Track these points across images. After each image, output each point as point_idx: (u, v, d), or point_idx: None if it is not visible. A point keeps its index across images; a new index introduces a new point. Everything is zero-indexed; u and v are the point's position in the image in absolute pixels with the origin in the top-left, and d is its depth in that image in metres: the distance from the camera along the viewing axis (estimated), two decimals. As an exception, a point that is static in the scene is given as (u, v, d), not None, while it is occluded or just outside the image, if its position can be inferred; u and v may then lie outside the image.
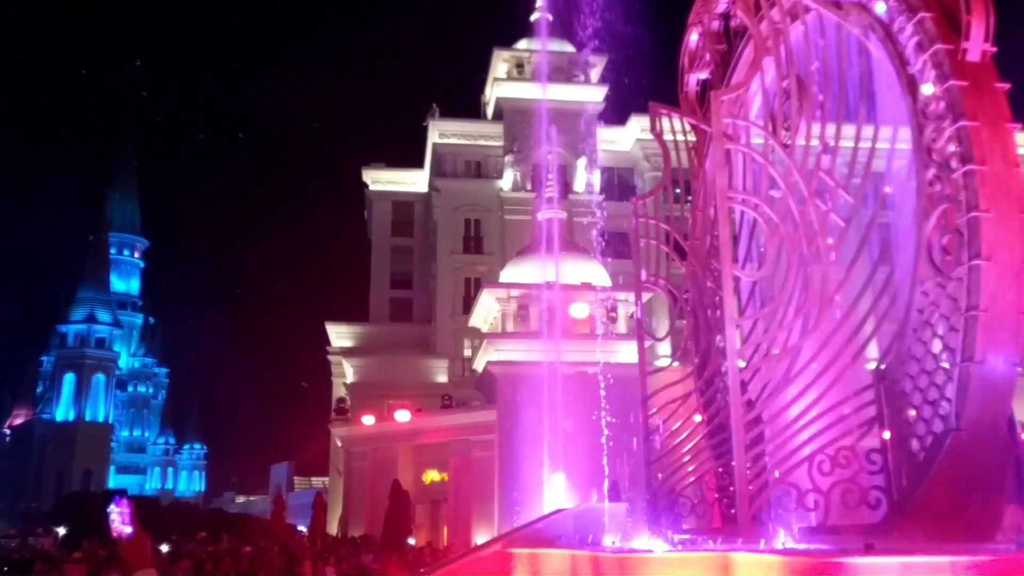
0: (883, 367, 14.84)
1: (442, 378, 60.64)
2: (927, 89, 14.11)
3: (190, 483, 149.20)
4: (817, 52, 16.41)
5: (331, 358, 68.17)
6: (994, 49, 13.70)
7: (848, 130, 15.68)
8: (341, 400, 61.17)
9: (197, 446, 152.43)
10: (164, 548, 31.06)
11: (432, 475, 48.09)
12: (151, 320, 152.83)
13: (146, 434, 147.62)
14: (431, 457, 47.97)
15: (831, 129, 15.82)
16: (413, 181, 70.87)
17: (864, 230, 15.61)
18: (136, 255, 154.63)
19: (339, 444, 55.92)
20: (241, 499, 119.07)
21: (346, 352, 63.92)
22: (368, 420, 50.14)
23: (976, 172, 13.16)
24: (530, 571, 14.37)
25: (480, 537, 39.53)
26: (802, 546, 11.68)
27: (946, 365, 13.45)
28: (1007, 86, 13.79)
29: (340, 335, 66.48)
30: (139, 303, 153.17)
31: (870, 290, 15.38)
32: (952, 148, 13.55)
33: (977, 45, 13.52)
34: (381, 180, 70.69)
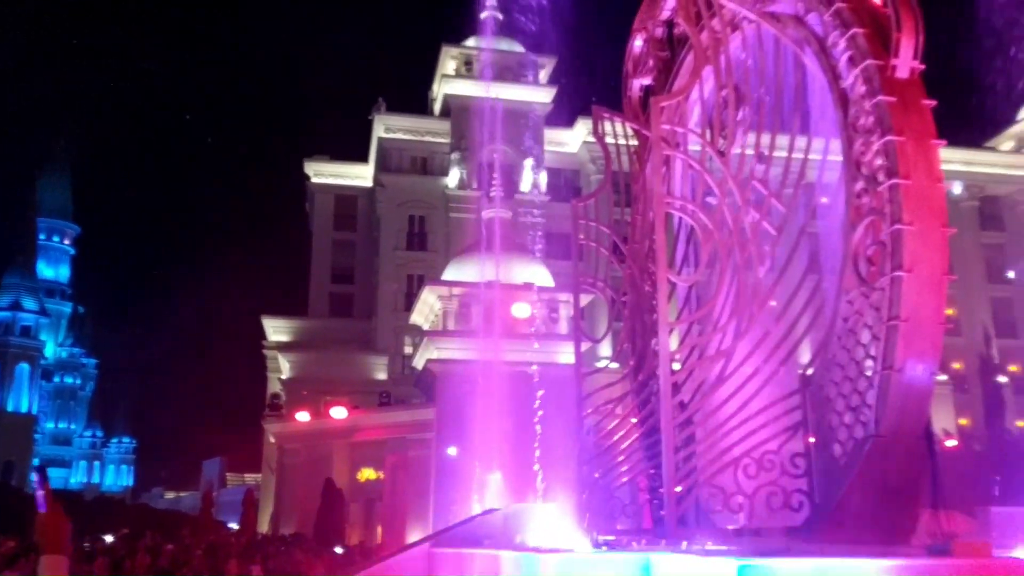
0: (810, 373, 15.19)
1: (381, 375, 60.23)
2: (857, 104, 14.47)
3: (117, 478, 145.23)
4: (755, 63, 16.72)
5: (267, 353, 67.15)
6: (922, 67, 14.11)
7: (782, 141, 16.02)
8: (276, 396, 60.30)
9: (126, 440, 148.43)
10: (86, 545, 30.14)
11: (367, 473, 47.73)
12: (80, 309, 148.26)
13: (72, 426, 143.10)
14: (367, 455, 47.60)
15: (766, 139, 16.14)
16: (357, 175, 70.26)
17: (795, 239, 15.97)
18: (66, 242, 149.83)
19: (272, 441, 55.08)
20: (171, 495, 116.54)
21: (282, 347, 63.02)
22: (303, 417, 49.51)
23: (901, 186, 13.52)
24: (456, 572, 14.32)
25: (414, 537, 39.33)
26: (721, 548, 11.86)
27: (868, 373, 13.80)
28: (933, 103, 14.21)
29: (277, 329, 65.51)
30: (68, 291, 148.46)
31: (799, 298, 15.73)
32: (879, 162, 13.91)
33: (906, 62, 13.90)
34: (324, 173, 69.92)
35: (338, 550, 35.79)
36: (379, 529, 46.27)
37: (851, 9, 14.83)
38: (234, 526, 53.93)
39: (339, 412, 48.24)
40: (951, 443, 49.31)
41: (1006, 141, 74.08)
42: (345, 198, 69.44)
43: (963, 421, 60.75)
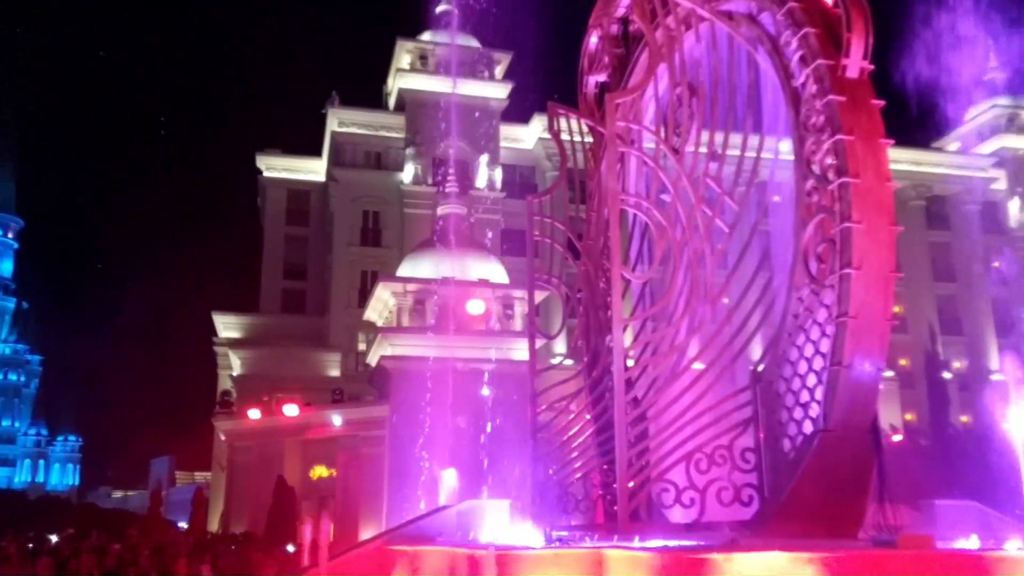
0: (760, 369, 15.39)
1: (334, 372, 59.59)
2: (808, 103, 14.67)
3: (63, 476, 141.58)
4: (708, 61, 16.85)
5: (217, 349, 65.98)
6: (872, 67, 14.36)
7: (735, 139, 16.19)
8: (226, 393, 59.29)
9: (72, 438, 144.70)
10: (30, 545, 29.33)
11: (320, 471, 47.19)
12: (24, 305, 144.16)
13: (16, 424, 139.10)
14: (319, 453, 47.05)
15: (719, 137, 16.29)
16: (310, 169, 69.32)
17: (747, 236, 16.16)
18: (10, 235, 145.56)
19: (223, 439, 54.17)
20: (118, 494, 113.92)
21: (233, 343, 61.95)
22: (254, 414, 48.76)
23: (850, 185, 13.76)
24: (409, 568, 14.22)
25: (367, 534, 39.02)
26: (673, 543, 11.95)
27: (817, 369, 14.02)
28: (882, 103, 14.47)
29: (228, 325, 64.36)
30: (12, 286, 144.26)
31: (751, 295, 15.93)
32: (829, 161, 14.13)
33: (856, 62, 14.14)
34: (276, 167, 68.87)
35: (290, 548, 35.34)
36: (332, 527, 45.82)
37: (803, 9, 15.03)
38: (183, 525, 52.99)
39: (291, 409, 47.63)
40: (897, 438, 50.47)
41: (953, 142, 76.13)
42: (298, 193, 68.52)
43: (909, 416, 62.25)
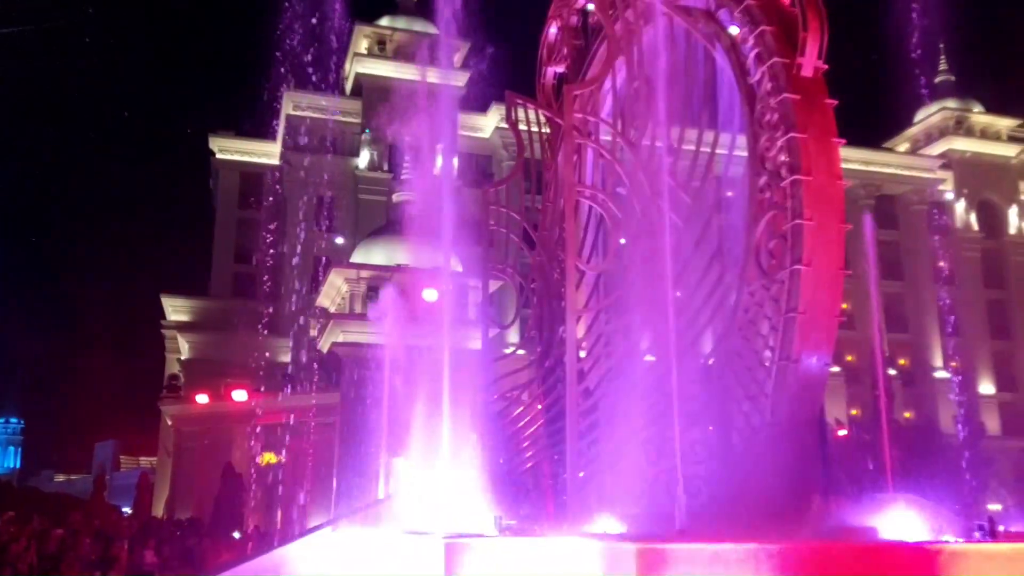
0: (711, 362, 15.56)
1: (285, 358, 58.91)
2: (763, 100, 14.83)
3: (3, 460, 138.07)
4: (666, 56, 16.92)
5: (166, 332, 64.78)
6: (826, 67, 14.56)
7: (691, 134, 16.31)
8: (174, 377, 58.28)
9: (13, 420, 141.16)
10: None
11: (269, 458, 46.69)
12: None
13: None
14: (268, 439, 46.53)
15: (675, 132, 16.40)
16: (264, 152, 68.25)
17: (700, 231, 16.31)
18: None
19: (170, 423, 53.26)
20: (61, 478, 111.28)
21: (182, 327, 60.88)
22: (202, 399, 48.04)
23: (802, 182, 13.95)
24: (357, 555, 14.13)
25: (316, 521, 38.72)
26: (621, 532, 12.05)
27: (767, 363, 14.22)
28: (835, 102, 14.70)
29: (177, 309, 63.21)
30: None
31: (703, 288, 16.09)
32: (783, 158, 14.31)
33: (811, 61, 14.32)
34: (229, 149, 67.68)
35: (236, 535, 34.99)
36: (279, 514, 45.40)
37: (760, 7, 15.17)
38: (127, 511, 52.13)
39: (240, 395, 47.03)
40: (842, 432, 51.62)
41: (903, 143, 77.85)
42: (251, 175, 67.45)
43: (854, 411, 63.72)
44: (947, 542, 11.56)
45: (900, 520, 13.04)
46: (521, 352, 22.12)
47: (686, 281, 16.04)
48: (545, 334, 19.11)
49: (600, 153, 17.80)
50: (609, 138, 17.66)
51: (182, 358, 59.35)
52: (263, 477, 46.33)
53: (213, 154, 67.93)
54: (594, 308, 18.56)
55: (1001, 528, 13.55)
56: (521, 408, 19.25)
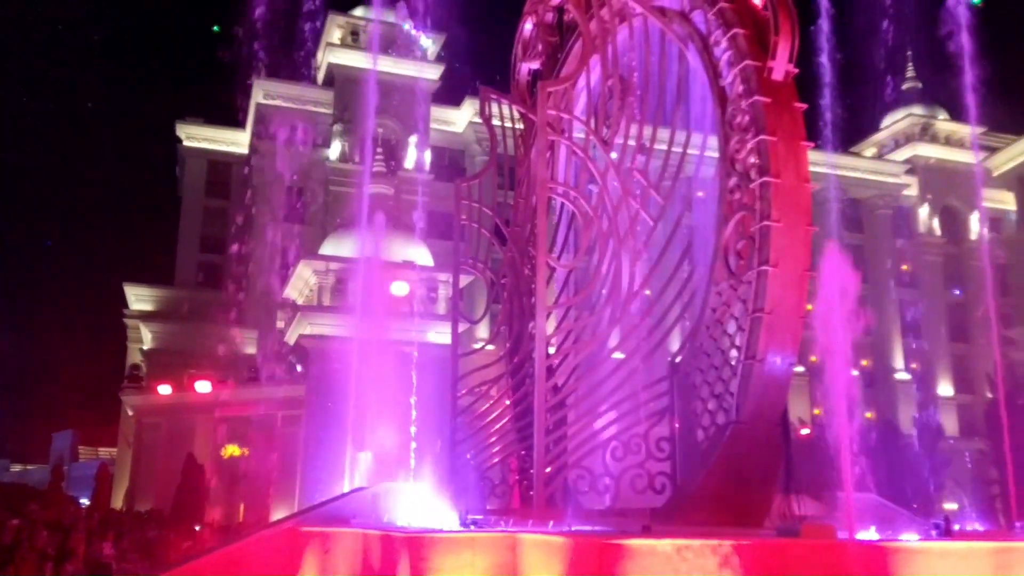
0: (678, 360, 15.72)
1: (251, 350, 58.33)
2: (734, 102, 14.99)
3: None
4: (640, 55, 17.03)
5: (128, 322, 63.80)
6: (796, 71, 14.75)
7: (663, 134, 16.44)
8: (136, 367, 57.48)
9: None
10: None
11: (232, 450, 46.22)
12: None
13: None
14: (232, 431, 46.08)
15: (648, 131, 16.51)
16: (233, 141, 67.44)
17: (671, 230, 16.46)
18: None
19: (131, 414, 52.53)
20: (17, 467, 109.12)
21: (145, 316, 60.03)
22: (164, 390, 47.46)
23: (771, 184, 14.13)
24: (321, 550, 14.06)
25: (279, 516, 38.45)
26: (586, 528, 12.13)
27: (733, 362, 14.39)
28: (804, 106, 14.89)
29: (140, 297, 62.30)
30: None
31: (673, 287, 16.24)
32: (752, 160, 14.48)
33: (782, 65, 14.50)
34: (197, 136, 66.77)
35: (197, 528, 34.62)
36: (242, 507, 44.96)
37: (733, 10, 15.32)
38: (85, 502, 51.36)
39: (203, 386, 46.51)
40: (805, 431, 52.29)
41: (869, 148, 78.99)
42: (219, 164, 66.63)
43: (817, 411, 64.60)
44: (904, 540, 11.80)
45: (859, 518, 13.27)
46: (490, 347, 22.15)
47: (655, 280, 16.18)
48: (515, 330, 19.16)
49: (573, 150, 17.86)
50: (582, 135, 17.73)
51: (144, 348, 58.54)
52: (226, 470, 45.89)
53: (180, 141, 66.97)
54: (564, 304, 18.64)
55: (956, 527, 13.85)
56: (489, 403, 19.28)
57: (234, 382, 49.04)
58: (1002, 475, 43.88)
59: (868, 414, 62.93)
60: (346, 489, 28.40)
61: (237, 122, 67.13)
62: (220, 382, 47.70)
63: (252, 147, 63.88)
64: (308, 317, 43.62)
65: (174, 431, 46.15)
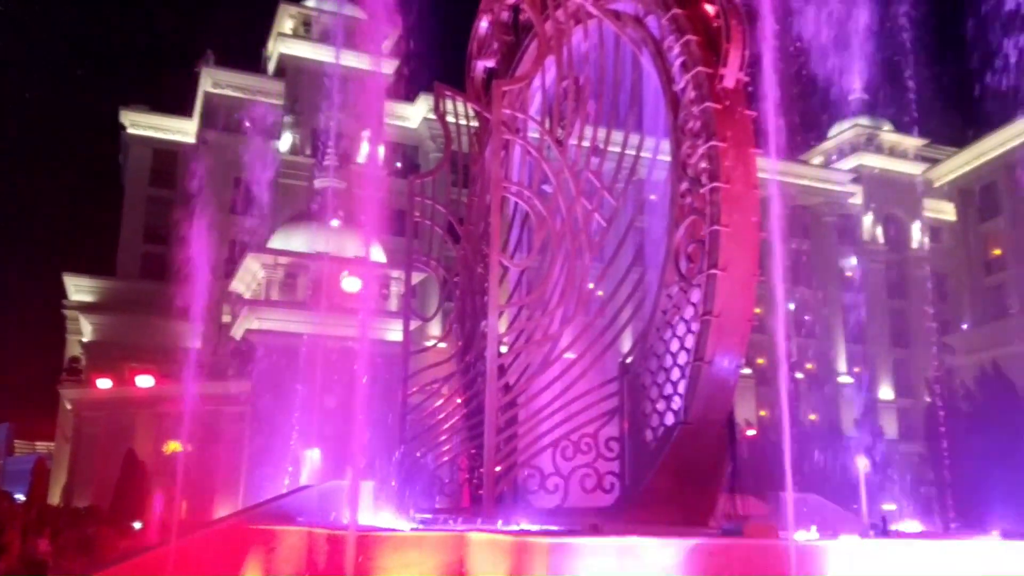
0: (629, 361, 15.87)
1: (196, 344, 57.20)
2: (686, 108, 15.17)
3: None
4: (595, 58, 17.15)
5: (67, 313, 62.07)
6: (747, 78, 14.98)
7: (617, 136, 16.57)
8: (75, 360, 56.01)
9: None
10: None
11: (174, 446, 45.28)
12: None
13: None
14: (175, 427, 45.15)
15: (602, 133, 16.63)
16: (179, 129, 66.01)
17: (623, 232, 16.60)
18: None
19: (69, 407, 51.16)
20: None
21: (85, 307, 58.44)
22: (104, 383, 46.34)
23: (721, 189, 14.35)
24: (266, 548, 13.87)
25: (222, 513, 37.82)
26: (534, 527, 12.18)
27: (681, 363, 14.58)
28: (754, 114, 15.15)
29: (80, 288, 60.63)
30: None
31: (624, 289, 16.39)
32: (703, 165, 14.69)
33: (733, 72, 14.73)
34: (142, 124, 65.20)
35: (137, 525, 33.88)
36: (184, 504, 44.11)
37: (687, 16, 15.51)
38: (21, 497, 49.96)
39: (145, 380, 45.55)
40: (751, 432, 53.18)
41: (816, 156, 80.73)
42: (164, 153, 65.16)
43: (763, 412, 65.75)
44: (843, 540, 12.08)
45: (801, 518, 13.55)
46: (442, 345, 22.07)
47: (608, 281, 16.31)
48: (467, 328, 19.13)
49: (527, 150, 17.89)
50: (537, 135, 17.77)
51: (84, 340, 57.04)
52: (168, 466, 44.97)
53: (124, 128, 65.34)
54: (516, 304, 18.68)
55: (893, 527, 14.24)
56: (440, 401, 19.23)
57: (177, 376, 48.08)
58: (939, 477, 45.20)
59: (812, 416, 64.24)
60: (292, 487, 28.13)
61: (184, 111, 65.80)
62: (163, 377, 46.75)
63: (199, 136, 62.68)
64: (255, 311, 43.00)
65: (114, 426, 45.08)
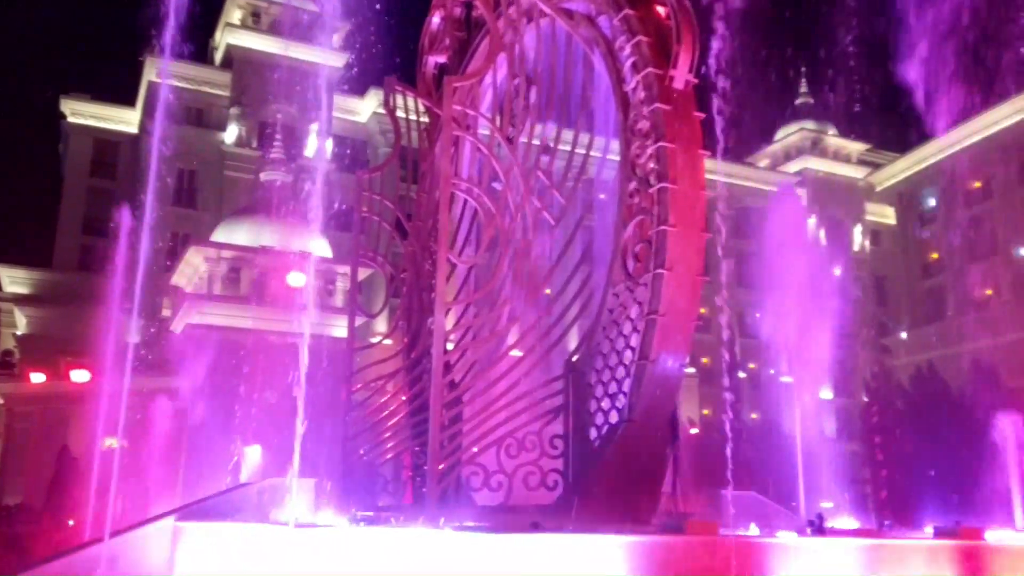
0: (575, 359, 15.90)
1: (134, 338, 55.79)
2: (636, 108, 15.26)
3: None
4: (547, 56, 17.14)
5: (1, 305, 60.05)
6: (696, 80, 15.14)
7: (568, 135, 16.59)
8: (8, 353, 54.23)
9: None
10: None
11: (111, 442, 44.13)
12: None
13: None
14: (111, 423, 43.99)
15: (553, 132, 16.64)
16: (122, 119, 64.28)
17: (572, 230, 16.63)
18: None
19: (1, 402, 49.50)
20: None
21: (20, 299, 56.58)
22: (38, 377, 44.93)
23: (669, 190, 14.47)
24: (203, 546, 13.57)
25: (159, 510, 36.98)
26: (475, 525, 12.12)
27: (627, 362, 14.66)
28: (702, 116, 15.30)
29: (14, 280, 58.66)
30: None
31: (572, 287, 16.41)
32: (652, 165, 14.80)
33: (682, 74, 14.86)
34: (83, 113, 63.33)
35: (71, 523, 32.92)
36: (120, 502, 43.02)
37: (638, 17, 15.60)
38: (-54, 496, 48.19)
39: (80, 375, 44.22)
40: (694, 431, 53.81)
41: (763, 159, 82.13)
42: (106, 143, 63.40)
43: (706, 411, 66.58)
44: (781, 537, 12.28)
45: (741, 515, 13.74)
46: (388, 342, 21.87)
47: (555, 279, 16.33)
48: (413, 325, 18.98)
49: (478, 147, 17.82)
50: (488, 133, 17.71)
51: (18, 333, 55.24)
52: (103, 462, 43.81)
53: (64, 117, 63.44)
54: (464, 301, 18.59)
55: (829, 524, 14.53)
56: (385, 398, 19.04)
57: (114, 371, 46.85)
58: (874, 475, 46.35)
59: (754, 415, 65.35)
60: (232, 484, 27.59)
61: (127, 100, 64.12)
62: (99, 371, 45.48)
63: (142, 127, 61.14)
64: (197, 306, 42.09)
65: (48, 421, 43.74)
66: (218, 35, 63.96)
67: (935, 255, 76.17)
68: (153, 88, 59.97)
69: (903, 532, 14.22)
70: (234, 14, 62.03)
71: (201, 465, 37.34)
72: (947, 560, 11.96)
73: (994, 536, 13.70)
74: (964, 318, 66.66)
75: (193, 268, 44.27)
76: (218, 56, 63.77)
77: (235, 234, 44.08)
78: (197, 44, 66.84)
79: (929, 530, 14.06)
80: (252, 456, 32.89)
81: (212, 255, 42.62)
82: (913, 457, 40.78)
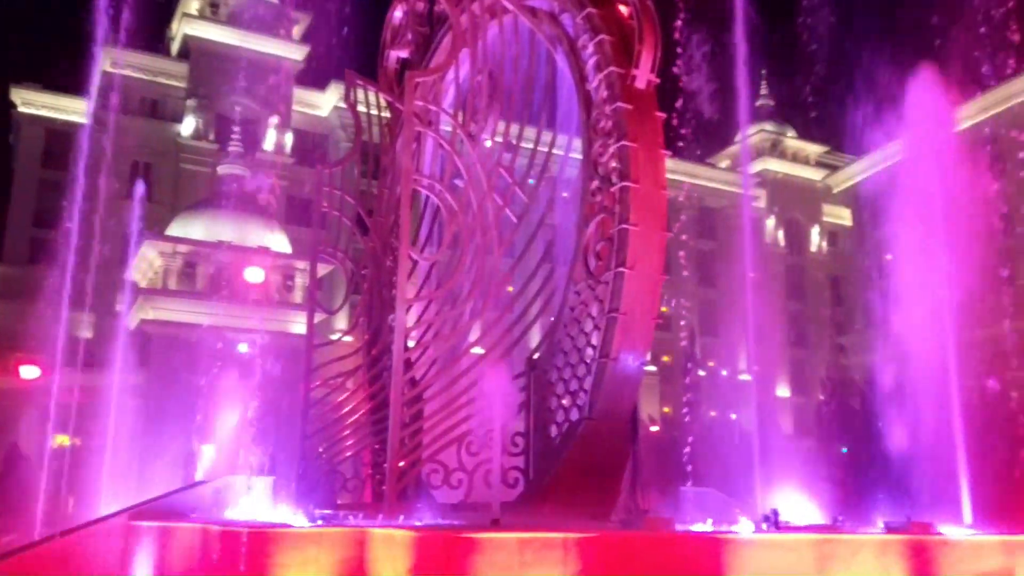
0: (536, 357, 15.92)
1: (86, 333, 54.63)
2: (599, 107, 15.31)
3: None
4: (510, 53, 17.11)
5: (-53, 299, 58.41)
6: (657, 80, 15.22)
7: (530, 133, 16.59)
8: (-45, 349, 52.61)
9: None
10: None
11: (62, 440, 43.17)
12: None
13: None
14: (63, 420, 43.04)
15: (515, 129, 16.62)
16: (74, 109, 62.77)
17: (534, 228, 16.65)
18: None
19: (-53, 399, 48.14)
20: None
21: (-32, 294, 55.12)
22: (-13, 374, 43.74)
23: (630, 189, 14.53)
24: (157, 545, 13.33)
25: (112, 509, 36.30)
26: (435, 522, 12.08)
27: (588, 360, 14.71)
28: (664, 116, 15.40)
29: (-37, 274, 57.17)
30: None
31: (534, 285, 16.42)
32: (614, 164, 14.85)
33: (644, 74, 14.94)
34: (34, 103, 61.80)
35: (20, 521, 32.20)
36: (72, 500, 42.13)
37: (601, 16, 15.64)
38: None
39: (30, 371, 43.21)
40: (654, 428, 54.25)
41: (724, 159, 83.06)
42: (58, 133, 61.90)
43: (666, 409, 67.16)
44: (737, 532, 12.42)
45: (698, 511, 13.86)
46: (348, 339, 21.69)
47: (517, 277, 16.32)
48: (374, 321, 18.85)
49: (440, 143, 17.73)
50: (450, 129, 17.63)
51: (-35, 328, 53.69)
52: (54, 461, 42.83)
53: (15, 107, 61.86)
54: (425, 298, 18.50)
55: (784, 520, 14.72)
56: (345, 396, 18.88)
57: (66, 368, 45.82)
58: (829, 472, 47.11)
59: (712, 412, 66.06)
60: (186, 482, 27.17)
61: (80, 90, 62.69)
62: (50, 367, 44.44)
63: (96, 117, 59.84)
64: (152, 301, 41.39)
65: (-4, 419, 42.66)
66: (175, 25, 62.83)
67: (889, 256, 77.61)
68: (107, 78, 58.69)
69: (855, 527, 14.48)
70: (192, 4, 61.01)
71: (156, 463, 36.73)
72: (897, 554, 12.19)
73: (943, 531, 14.02)
74: (916, 317, 67.94)
75: (148, 263, 43.50)
76: (175, 46, 62.66)
77: (191, 228, 43.39)
78: (153, 33, 65.67)
79: (880, 525, 14.33)
80: (207, 454, 32.43)
81: (168, 249, 41.92)
82: (866, 454, 41.56)
